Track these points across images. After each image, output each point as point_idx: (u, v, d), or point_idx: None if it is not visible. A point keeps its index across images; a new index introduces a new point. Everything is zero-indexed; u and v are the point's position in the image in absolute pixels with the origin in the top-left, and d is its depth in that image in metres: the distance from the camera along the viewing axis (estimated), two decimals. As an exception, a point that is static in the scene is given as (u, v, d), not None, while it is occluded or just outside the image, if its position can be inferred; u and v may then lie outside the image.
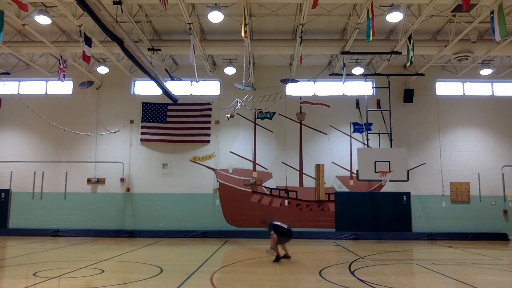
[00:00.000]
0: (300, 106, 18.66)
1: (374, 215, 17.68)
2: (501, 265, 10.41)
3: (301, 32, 13.49)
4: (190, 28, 13.39)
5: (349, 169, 18.21)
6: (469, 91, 18.92)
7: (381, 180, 15.76)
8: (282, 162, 18.30)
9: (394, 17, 12.65)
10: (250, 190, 18.07)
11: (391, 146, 17.21)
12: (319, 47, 15.70)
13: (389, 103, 17.67)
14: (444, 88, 18.93)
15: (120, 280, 8.53)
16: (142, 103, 18.65)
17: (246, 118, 18.56)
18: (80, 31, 13.18)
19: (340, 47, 15.19)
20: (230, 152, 18.42)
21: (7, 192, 18.25)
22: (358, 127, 18.49)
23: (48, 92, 19.24)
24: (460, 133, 18.42)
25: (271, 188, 18.09)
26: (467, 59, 15.33)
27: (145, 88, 19.07)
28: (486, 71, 17.28)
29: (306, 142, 18.42)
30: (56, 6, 12.14)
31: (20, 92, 19.19)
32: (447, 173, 18.08)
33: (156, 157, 18.44)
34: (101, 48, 15.04)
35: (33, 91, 19.20)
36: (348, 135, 18.48)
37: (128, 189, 18.22)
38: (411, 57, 13.65)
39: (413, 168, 17.86)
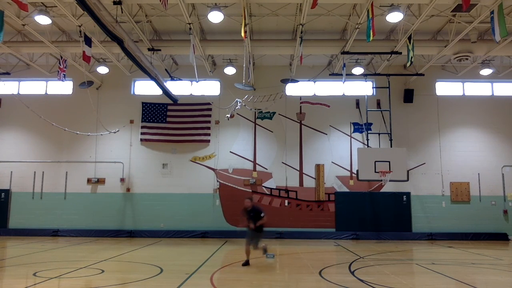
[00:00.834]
0: (300, 106, 18.65)
1: (374, 215, 17.68)
2: (501, 265, 10.41)
3: (301, 32, 13.49)
4: (190, 28, 13.39)
5: (349, 169, 18.21)
6: (469, 91, 18.91)
7: (381, 180, 15.76)
8: (282, 162, 18.29)
9: (394, 17, 12.65)
10: (250, 190, 18.07)
11: (391, 146, 17.20)
12: (319, 47, 15.70)
13: (389, 103, 17.66)
14: (444, 88, 18.93)
15: (120, 280, 8.53)
16: (142, 103, 18.65)
17: (246, 118, 18.55)
18: (80, 31, 13.18)
19: (340, 47, 15.18)
20: (230, 152, 18.42)
21: (7, 192, 18.25)
22: (358, 127, 18.49)
23: (48, 92, 19.24)
24: (460, 133, 18.42)
25: (271, 188, 18.09)
26: (467, 59, 15.33)
27: (145, 88, 19.07)
28: (486, 71, 17.28)
29: (306, 142, 18.42)
30: (56, 6, 12.14)
31: (20, 92, 19.19)
32: (447, 173, 18.08)
33: (156, 157, 18.44)
34: (101, 48, 15.04)
35: (33, 91, 19.20)
36: (348, 135, 18.48)
37: (128, 189, 18.22)
38: (411, 57, 13.65)
39: (413, 168, 17.85)
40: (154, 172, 18.33)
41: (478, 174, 18.02)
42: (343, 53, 15.10)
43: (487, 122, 18.40)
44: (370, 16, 11.88)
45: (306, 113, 18.60)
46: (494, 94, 18.89)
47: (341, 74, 16.23)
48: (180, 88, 18.61)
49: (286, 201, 18.01)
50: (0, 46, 14.82)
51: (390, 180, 15.71)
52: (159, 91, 15.49)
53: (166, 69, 16.43)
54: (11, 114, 18.76)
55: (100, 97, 18.79)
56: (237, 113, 16.80)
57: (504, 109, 18.51)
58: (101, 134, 17.42)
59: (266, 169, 18.27)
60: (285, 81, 18.13)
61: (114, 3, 11.63)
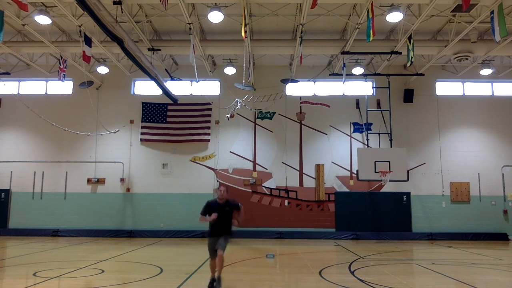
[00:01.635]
0: (300, 106, 18.65)
1: (374, 215, 17.68)
2: (501, 265, 10.41)
3: (301, 32, 13.49)
4: (190, 28, 13.39)
5: (349, 169, 18.21)
6: (469, 91, 18.91)
7: (381, 180, 15.75)
8: (282, 162, 18.29)
9: (394, 17, 12.65)
10: (250, 190, 18.07)
11: (391, 146, 17.20)
12: (319, 47, 15.70)
13: (389, 103, 17.66)
14: (444, 88, 18.93)
15: (120, 280, 8.53)
16: (142, 103, 18.65)
17: (246, 118, 18.55)
18: (80, 31, 13.18)
19: (340, 47, 15.18)
20: (230, 152, 18.41)
21: (7, 192, 18.25)
22: (358, 127, 18.49)
23: (48, 92, 19.24)
24: (460, 133, 18.42)
25: (271, 188, 18.09)
26: (467, 59, 15.33)
27: (145, 88, 19.07)
28: (486, 71, 17.28)
29: (306, 142, 18.41)
30: (56, 6, 12.14)
31: (20, 92, 19.18)
32: (447, 173, 18.07)
33: (156, 157, 18.44)
34: (101, 48, 15.04)
35: (33, 91, 19.20)
36: (348, 135, 18.48)
37: (128, 189, 18.22)
38: (411, 57, 13.65)
39: (413, 168, 17.86)
40: (154, 172, 18.32)
41: (478, 174, 18.02)
42: (343, 53, 15.10)
43: (487, 122, 18.40)
44: (370, 16, 11.88)
45: (306, 113, 18.60)
46: (494, 94, 18.88)
47: (341, 74, 16.23)
48: (180, 88, 18.61)
49: (286, 201, 18.01)
50: (0, 46, 14.81)
51: (390, 180, 15.71)
52: (159, 91, 15.49)
53: (166, 69, 16.43)
54: (11, 114, 18.76)
55: (100, 97, 18.79)
56: (237, 113, 16.81)
57: (504, 109, 18.51)
58: (101, 134, 17.41)
59: (266, 169, 18.27)
60: (285, 81, 18.13)
61: (114, 3, 11.62)
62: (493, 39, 11.63)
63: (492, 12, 11.42)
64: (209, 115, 18.50)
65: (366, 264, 10.37)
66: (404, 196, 17.81)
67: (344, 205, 17.83)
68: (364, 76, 17.76)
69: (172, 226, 17.75)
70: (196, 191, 18.03)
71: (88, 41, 13.31)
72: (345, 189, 18.06)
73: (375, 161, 15.63)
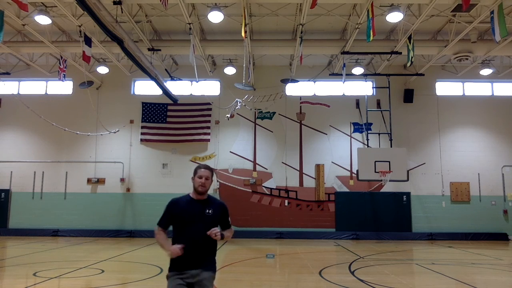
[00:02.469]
0: (300, 106, 18.65)
1: (374, 215, 17.68)
2: (501, 265, 10.41)
3: (301, 32, 13.49)
4: (190, 28, 13.39)
5: (349, 169, 18.21)
6: (469, 91, 18.91)
7: (381, 180, 15.75)
8: (282, 162, 18.29)
9: (394, 17, 12.65)
10: (250, 190, 18.07)
11: (391, 146, 17.20)
12: (319, 47, 15.70)
13: (389, 103, 17.66)
14: (444, 88, 18.93)
15: (120, 280, 8.53)
16: (142, 103, 18.65)
17: (246, 118, 18.55)
18: (80, 31, 13.18)
19: (340, 47, 15.18)
20: (230, 152, 18.41)
21: (7, 192, 18.24)
22: (358, 127, 18.49)
23: (48, 92, 19.24)
24: (460, 133, 18.41)
25: (271, 188, 18.08)
26: (467, 59, 15.33)
27: (145, 88, 19.07)
28: (486, 71, 17.28)
29: (306, 142, 18.41)
30: (56, 6, 12.14)
31: (20, 92, 19.18)
32: (447, 173, 18.07)
33: (156, 157, 18.43)
34: (101, 48, 15.04)
35: (33, 91, 19.20)
36: (348, 135, 18.48)
37: (128, 189, 18.22)
38: (411, 57, 13.65)
39: (413, 168, 17.85)
40: (154, 172, 18.32)
41: (478, 174, 18.01)
42: (343, 53, 15.11)
43: (487, 122, 18.40)
44: (370, 16, 11.88)
45: (306, 113, 18.60)
46: (494, 94, 18.88)
47: (341, 74, 16.22)
48: (180, 88, 18.60)
49: (286, 201, 18.00)
50: (0, 46, 14.81)
51: (390, 180, 15.70)
52: (159, 91, 15.49)
53: (166, 69, 16.43)
54: (11, 114, 18.76)
55: (100, 97, 18.79)
56: (237, 113, 16.79)
57: (504, 109, 18.51)
58: (101, 134, 17.41)
59: (266, 169, 18.27)
60: (285, 81, 18.13)
61: (114, 3, 11.62)
62: (493, 39, 11.63)
63: (492, 12, 11.42)
64: (209, 115, 18.49)
65: (366, 264, 10.37)
66: (404, 196, 17.81)
67: (344, 205, 17.83)
68: (364, 76, 17.76)
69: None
70: (196, 191, 17.98)
71: (88, 41, 13.31)
72: (345, 189, 18.06)
73: (375, 161, 15.62)
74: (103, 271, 9.04)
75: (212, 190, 18.07)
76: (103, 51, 15.27)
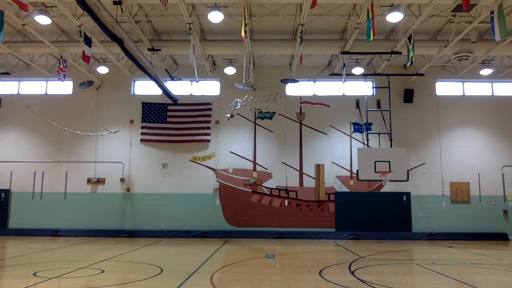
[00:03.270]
0: (300, 106, 18.66)
1: (374, 215, 17.68)
2: (501, 265, 10.41)
3: (301, 32, 13.49)
4: (190, 28, 13.39)
5: (349, 169, 18.21)
6: (469, 91, 18.91)
7: (381, 180, 15.75)
8: (282, 162, 18.29)
9: (394, 17, 12.65)
10: (250, 190, 18.07)
11: (391, 146, 17.20)
12: (319, 47, 15.70)
13: (389, 103, 17.66)
14: (444, 88, 18.93)
15: (120, 280, 8.53)
16: (142, 103, 18.65)
17: (246, 118, 18.55)
18: (80, 31, 13.19)
19: (340, 47, 15.19)
20: (230, 152, 18.41)
21: (7, 192, 18.25)
22: (358, 127, 18.49)
23: (48, 92, 19.24)
24: (460, 133, 18.42)
25: (271, 188, 18.09)
26: (467, 59, 15.33)
27: (145, 88, 19.07)
28: (486, 71, 17.28)
29: (306, 142, 18.42)
30: (56, 6, 12.15)
31: (20, 92, 19.18)
32: (447, 173, 18.08)
33: (156, 157, 18.44)
34: (101, 48, 15.04)
35: (33, 91, 19.20)
36: (348, 135, 18.48)
37: (128, 189, 18.22)
38: (411, 57, 13.65)
39: (413, 168, 17.86)
40: (154, 172, 18.32)
41: (478, 174, 18.02)
42: (343, 53, 15.11)
43: (487, 122, 18.40)
44: (370, 16, 11.89)
45: (306, 113, 18.60)
46: (494, 94, 18.89)
47: (341, 74, 16.23)
48: (180, 88, 18.61)
49: (286, 201, 18.00)
50: (0, 46, 14.82)
51: (390, 180, 15.71)
52: (159, 91, 15.49)
53: (166, 69, 16.44)
54: (11, 114, 18.76)
55: (100, 97, 18.79)
56: (237, 113, 16.80)
57: (504, 109, 18.51)
58: (101, 134, 17.42)
59: (266, 169, 18.27)
60: (285, 81, 18.14)
61: (114, 3, 11.63)
62: (493, 39, 11.63)
63: (492, 12, 11.43)
64: (209, 115, 18.50)
65: (366, 264, 10.37)
66: (404, 196, 17.81)
67: (344, 205, 17.83)
68: (364, 76, 17.76)
69: (172, 226, 17.75)
70: (196, 191, 18.04)
71: (88, 41, 13.31)
72: (345, 189, 18.06)
73: (375, 161, 15.63)
74: (103, 271, 9.04)
75: (212, 190, 18.09)
76: (103, 51, 15.28)
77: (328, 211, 17.88)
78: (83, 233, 17.56)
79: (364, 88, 18.41)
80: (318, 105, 18.58)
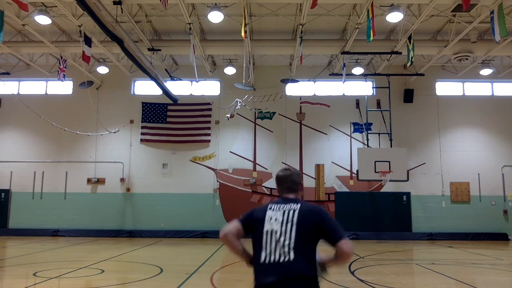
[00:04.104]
0: (300, 106, 18.65)
1: (374, 215, 17.67)
2: (501, 265, 10.41)
3: (301, 32, 13.48)
4: (190, 28, 13.38)
5: (349, 169, 18.21)
6: (469, 91, 18.91)
7: (381, 180, 15.76)
8: (282, 162, 18.28)
9: (394, 17, 12.65)
10: (250, 190, 18.07)
11: (391, 146, 17.20)
12: (319, 47, 15.70)
13: (389, 103, 17.66)
14: (444, 88, 18.93)
15: (120, 280, 8.53)
16: (142, 103, 18.64)
17: (246, 118, 18.55)
18: (80, 31, 13.17)
19: (340, 47, 15.18)
20: (230, 152, 18.41)
21: (7, 192, 18.24)
22: (358, 127, 18.48)
23: (48, 92, 19.23)
24: (460, 133, 18.41)
25: (271, 188, 18.07)
26: (467, 59, 15.33)
27: (145, 88, 19.06)
28: (486, 71, 17.27)
29: (306, 142, 18.41)
30: (56, 6, 12.14)
31: (20, 92, 19.18)
32: (447, 173, 18.07)
33: (156, 157, 18.43)
34: (101, 48, 15.04)
35: (33, 91, 19.20)
36: (348, 135, 18.48)
37: (128, 189, 18.21)
38: (411, 57, 13.65)
39: (413, 168, 17.85)
40: (154, 172, 18.32)
41: (478, 174, 18.01)
42: (343, 53, 15.10)
43: (487, 122, 18.39)
44: (370, 16, 11.88)
45: (306, 113, 18.60)
46: (494, 94, 18.88)
47: (341, 74, 16.22)
48: (180, 88, 18.59)
49: (286, 201, 17.95)
50: (0, 46, 14.81)
51: (390, 180, 15.71)
52: (159, 91, 15.49)
53: (166, 69, 16.43)
54: (11, 114, 18.75)
55: (100, 97, 18.78)
56: (237, 113, 16.78)
57: (504, 109, 18.50)
58: (101, 134, 17.41)
59: (266, 169, 18.26)
60: (285, 81, 18.13)
61: (114, 3, 11.61)
62: (493, 39, 11.63)
63: (492, 12, 11.42)
64: (209, 115, 18.49)
65: (366, 264, 10.37)
66: (404, 196, 17.81)
67: (344, 205, 17.82)
68: (364, 76, 17.76)
69: (172, 226, 17.75)
70: (196, 191, 18.03)
71: (88, 41, 13.31)
72: (345, 189, 18.06)
73: (375, 161, 15.63)
74: (103, 271, 9.04)
75: (212, 190, 18.08)
76: (103, 51, 15.27)
77: (328, 211, 17.76)
78: (83, 233, 17.55)
79: (364, 88, 18.41)
80: (318, 105, 18.57)
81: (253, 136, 18.53)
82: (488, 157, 18.15)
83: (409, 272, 9.74)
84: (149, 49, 15.00)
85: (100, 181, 18.27)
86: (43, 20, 12.93)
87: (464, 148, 18.24)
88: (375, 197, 17.88)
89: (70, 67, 16.23)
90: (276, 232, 2.79)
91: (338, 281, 8.09)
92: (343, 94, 18.82)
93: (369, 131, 17.96)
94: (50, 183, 18.32)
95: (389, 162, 15.58)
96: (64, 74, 15.25)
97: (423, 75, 17.58)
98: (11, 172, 18.41)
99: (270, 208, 2.92)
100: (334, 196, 17.94)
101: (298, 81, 18.10)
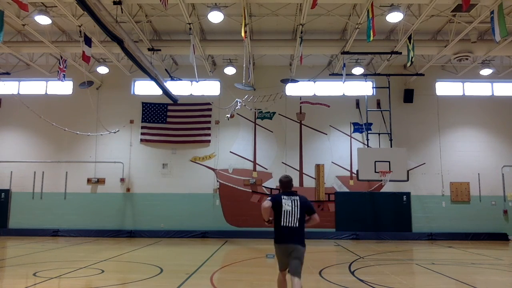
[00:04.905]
0: (300, 106, 18.65)
1: (374, 215, 17.68)
2: (501, 265, 10.41)
3: (301, 32, 13.49)
4: (190, 28, 13.39)
5: (349, 169, 18.21)
6: (469, 91, 18.91)
7: (381, 180, 15.75)
8: (282, 162, 18.29)
9: (394, 17, 12.65)
10: (250, 190, 18.07)
11: (391, 146, 17.20)
12: (319, 47, 15.70)
13: (389, 103, 17.66)
14: (444, 88, 18.93)
15: (120, 280, 8.54)
16: (142, 103, 18.65)
17: (246, 118, 18.55)
18: (80, 31, 13.17)
19: (340, 47, 15.18)
20: (230, 152, 18.41)
21: (7, 192, 18.24)
22: (358, 127, 18.49)
23: (48, 92, 19.24)
24: (460, 133, 18.41)
25: (271, 188, 18.08)
26: (467, 59, 15.33)
27: (145, 88, 19.07)
28: (486, 71, 17.27)
29: (306, 142, 18.41)
30: (56, 6, 12.14)
31: (20, 92, 19.18)
32: (447, 173, 18.07)
33: (156, 157, 18.43)
34: (101, 48, 15.04)
35: (33, 91, 19.20)
36: (348, 135, 18.48)
37: (128, 189, 18.22)
38: (411, 57, 13.65)
39: (413, 168, 17.85)
40: (154, 172, 18.32)
41: (478, 174, 18.01)
42: (343, 53, 15.10)
43: (487, 122, 18.40)
44: (370, 16, 11.88)
45: (306, 113, 18.60)
46: (494, 94, 18.88)
47: (341, 74, 16.22)
48: (180, 88, 18.60)
49: (286, 201, 17.95)
50: (0, 46, 14.81)
51: (390, 180, 15.71)
52: (159, 91, 15.48)
53: (166, 69, 16.43)
54: (11, 114, 18.75)
55: (100, 97, 18.79)
56: (237, 113, 16.78)
57: (504, 109, 18.51)
58: (101, 134, 17.40)
59: (266, 169, 18.27)
60: (285, 81, 18.13)
61: (114, 3, 11.62)
62: (493, 39, 11.63)
63: (492, 12, 11.42)
64: (209, 115, 18.50)
65: (366, 264, 10.37)
66: (404, 196, 17.81)
67: (344, 205, 17.83)
68: (364, 76, 17.76)
69: (172, 226, 17.75)
70: (196, 191, 18.04)
71: (88, 41, 13.30)
72: (345, 189, 18.06)
73: (375, 161, 15.63)
74: (103, 271, 9.04)
75: (212, 190, 18.09)
76: (103, 51, 15.27)
77: (328, 211, 17.87)
78: (83, 233, 17.55)
79: (364, 88, 18.41)
80: (318, 105, 18.58)
81: (253, 136, 18.53)
82: (488, 157, 18.15)
83: (409, 272, 9.74)
84: (149, 49, 15.01)
85: (100, 181, 18.27)
86: (43, 20, 12.93)
87: (464, 148, 18.24)
88: (375, 197, 17.88)
89: (70, 67, 16.23)
90: (289, 211, 5.44)
91: (338, 281, 8.09)
92: (343, 94, 18.82)
93: (369, 131, 17.96)
94: (50, 183, 18.32)
95: (389, 162, 15.58)
96: (64, 74, 15.25)
97: (423, 75, 17.59)
98: (11, 172, 18.42)
99: (284, 198, 5.48)
100: (334, 196, 17.94)
101: (298, 81, 18.10)
